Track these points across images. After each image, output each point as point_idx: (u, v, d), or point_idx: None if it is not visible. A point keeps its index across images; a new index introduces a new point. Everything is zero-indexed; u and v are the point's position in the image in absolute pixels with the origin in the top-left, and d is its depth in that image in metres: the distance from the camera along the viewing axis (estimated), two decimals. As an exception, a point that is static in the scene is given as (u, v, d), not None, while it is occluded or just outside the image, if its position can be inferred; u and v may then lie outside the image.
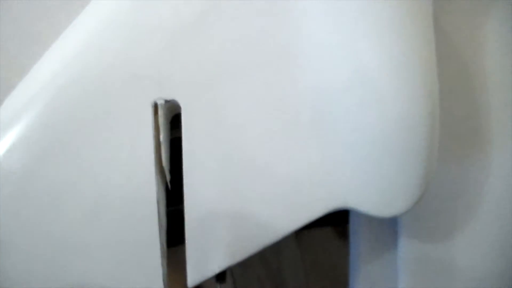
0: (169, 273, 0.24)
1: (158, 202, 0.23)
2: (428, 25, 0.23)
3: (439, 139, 0.23)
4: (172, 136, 0.25)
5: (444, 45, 0.27)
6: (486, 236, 0.26)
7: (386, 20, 0.22)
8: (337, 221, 0.29)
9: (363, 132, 0.22)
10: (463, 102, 0.27)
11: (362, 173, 0.23)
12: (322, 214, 0.23)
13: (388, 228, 0.26)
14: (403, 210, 0.22)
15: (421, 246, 0.25)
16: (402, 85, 0.22)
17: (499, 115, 0.27)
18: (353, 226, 0.27)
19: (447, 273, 0.25)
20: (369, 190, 0.23)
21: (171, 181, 0.24)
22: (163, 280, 0.23)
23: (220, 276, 0.23)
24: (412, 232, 0.25)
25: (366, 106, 0.22)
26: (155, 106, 0.24)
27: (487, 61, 0.27)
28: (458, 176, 0.26)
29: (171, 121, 0.26)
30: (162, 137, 0.24)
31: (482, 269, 0.26)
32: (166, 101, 0.24)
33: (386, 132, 0.22)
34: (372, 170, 0.22)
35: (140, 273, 0.23)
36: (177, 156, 0.24)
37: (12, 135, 0.22)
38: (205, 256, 0.23)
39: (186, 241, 0.23)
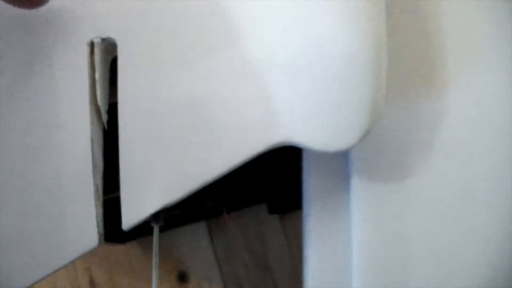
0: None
1: (92, 141, 0.23)
2: None
3: (389, 79, 0.23)
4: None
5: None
6: (440, 177, 0.25)
7: None
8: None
9: (305, 67, 0.22)
10: (419, 46, 0.26)
11: (306, 108, 0.22)
12: (265, 150, 0.22)
13: (340, 172, 0.26)
14: (349, 145, 0.22)
15: (373, 189, 0.25)
16: (345, 19, 0.21)
17: (455, 54, 0.26)
18: (305, 169, 0.27)
19: (399, 215, 0.25)
20: (313, 125, 0.22)
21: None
22: (97, 221, 0.22)
23: (156, 216, 0.22)
24: (363, 173, 0.25)
25: (307, 42, 0.22)
26: (91, 45, 0.23)
27: (446, 8, 0.27)
28: (411, 115, 0.25)
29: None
30: (98, 75, 0.23)
31: (434, 209, 0.25)
32: (103, 40, 0.23)
33: (329, 66, 0.21)
34: (314, 103, 0.22)
35: (75, 214, 0.22)
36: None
37: None
38: (140, 196, 0.22)
39: (120, 182, 0.22)
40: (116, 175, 0.23)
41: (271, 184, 0.50)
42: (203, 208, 0.61)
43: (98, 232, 0.22)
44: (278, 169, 0.40)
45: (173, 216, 0.59)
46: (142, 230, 0.69)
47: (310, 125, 0.22)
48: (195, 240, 0.69)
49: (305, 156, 0.26)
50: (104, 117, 0.24)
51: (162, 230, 0.72)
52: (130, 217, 0.22)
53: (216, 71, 0.22)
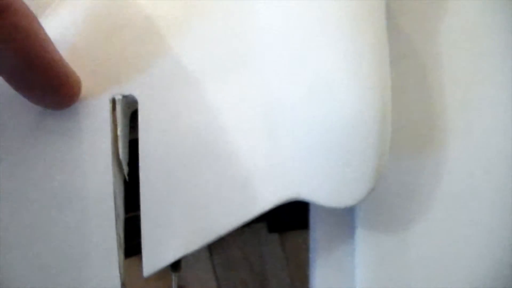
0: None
1: (115, 193, 0.24)
2: (381, 25, 0.25)
3: (392, 134, 0.25)
4: (132, 137, 0.27)
5: (401, 44, 0.29)
6: (441, 230, 0.27)
7: (338, 24, 0.24)
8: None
9: (314, 125, 0.24)
10: (420, 100, 0.28)
11: (314, 166, 0.24)
12: (276, 205, 0.24)
13: (346, 222, 0.28)
14: (355, 201, 0.24)
15: (377, 239, 0.26)
16: (353, 83, 0.23)
17: (455, 113, 0.28)
18: (312, 219, 0.29)
19: (403, 265, 0.27)
20: (320, 182, 0.24)
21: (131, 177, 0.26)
22: (119, 270, 0.24)
23: (175, 266, 0.24)
24: (368, 225, 0.27)
25: (317, 103, 0.24)
26: (113, 101, 0.25)
27: (444, 59, 0.29)
28: (413, 171, 0.27)
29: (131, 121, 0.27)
30: (119, 130, 0.25)
31: (437, 261, 0.27)
32: (124, 96, 0.25)
33: (337, 127, 0.23)
34: (323, 162, 0.24)
35: (97, 264, 0.24)
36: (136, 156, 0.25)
37: None
38: (160, 246, 0.24)
39: (142, 231, 0.24)
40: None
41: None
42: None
43: (120, 279, 0.24)
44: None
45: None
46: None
47: (318, 182, 0.24)
48: (194, 255, 0.70)
49: (312, 206, 0.28)
50: (125, 169, 0.26)
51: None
52: (151, 265, 0.24)
53: (233, 130, 0.24)
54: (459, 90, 0.28)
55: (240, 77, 0.25)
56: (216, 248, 0.71)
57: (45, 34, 0.23)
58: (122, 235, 0.25)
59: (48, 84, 0.23)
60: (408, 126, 0.28)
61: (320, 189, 0.24)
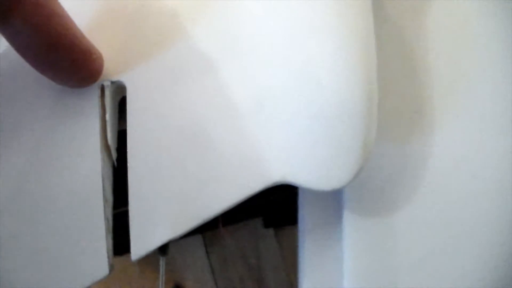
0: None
1: (103, 178, 0.25)
2: (367, 13, 0.25)
3: (380, 120, 0.25)
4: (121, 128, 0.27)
5: (388, 29, 0.30)
6: (428, 214, 0.28)
7: (324, 12, 0.24)
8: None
9: (302, 111, 0.24)
10: (408, 88, 0.29)
11: (300, 149, 0.25)
12: (263, 188, 0.25)
13: (334, 207, 0.28)
14: (341, 184, 0.24)
15: (364, 223, 0.27)
16: (340, 69, 0.24)
17: (442, 102, 0.29)
18: (301, 205, 0.29)
19: (390, 249, 0.27)
20: (307, 165, 0.25)
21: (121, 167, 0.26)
22: (107, 252, 0.25)
23: (163, 249, 0.25)
24: (355, 209, 0.27)
25: (305, 90, 0.24)
26: (102, 88, 0.26)
27: (430, 45, 0.29)
28: (400, 157, 0.28)
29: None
30: (108, 116, 0.26)
31: (424, 245, 0.27)
32: (112, 82, 0.26)
33: (324, 112, 0.24)
34: (310, 146, 0.24)
35: (85, 247, 0.25)
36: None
37: None
38: (148, 230, 0.25)
39: (130, 216, 0.25)
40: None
41: (267, 198, 0.53)
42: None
43: (108, 263, 0.25)
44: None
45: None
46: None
47: (305, 166, 0.25)
48: (190, 252, 0.71)
49: (300, 190, 0.29)
50: (114, 155, 0.26)
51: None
52: (138, 249, 0.25)
53: (221, 117, 0.25)
54: (447, 79, 0.29)
55: (229, 66, 0.26)
56: (213, 244, 0.72)
57: (64, 10, 0.23)
58: (110, 219, 0.26)
59: (73, 60, 0.24)
60: (396, 113, 0.29)
61: (306, 172, 0.24)
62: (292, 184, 0.25)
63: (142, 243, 0.25)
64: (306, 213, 0.29)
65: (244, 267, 0.70)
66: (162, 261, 0.25)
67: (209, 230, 0.70)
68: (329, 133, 0.24)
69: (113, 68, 0.26)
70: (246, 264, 0.70)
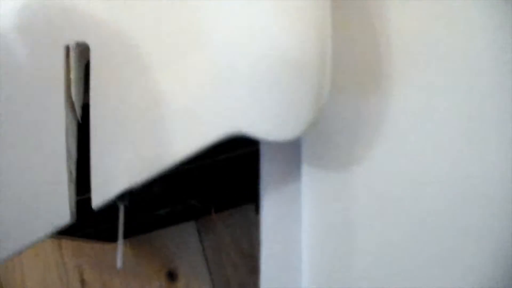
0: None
1: (67, 132, 0.27)
2: None
3: (340, 74, 0.27)
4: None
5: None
6: (387, 167, 0.28)
7: None
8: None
9: (254, 65, 0.26)
10: (365, 36, 0.30)
11: (255, 101, 0.26)
12: (218, 139, 0.26)
13: (293, 163, 0.29)
14: (294, 134, 0.26)
15: (323, 176, 0.28)
16: (290, 22, 0.25)
17: (402, 61, 0.30)
18: (262, 163, 0.30)
19: (348, 199, 0.28)
20: (261, 116, 0.26)
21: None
22: (70, 200, 0.26)
23: (122, 197, 0.26)
24: (314, 162, 0.28)
25: (258, 41, 0.26)
26: (67, 49, 0.28)
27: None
28: (359, 109, 0.29)
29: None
30: (72, 74, 0.28)
31: (382, 194, 0.28)
32: (77, 44, 0.28)
33: (276, 67, 0.25)
34: (263, 97, 0.26)
35: (48, 195, 0.26)
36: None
37: None
38: (108, 178, 0.26)
39: (91, 165, 0.26)
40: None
41: (259, 184, 0.54)
42: (192, 208, 0.65)
43: (70, 210, 0.26)
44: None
45: (162, 217, 0.62)
46: (133, 229, 0.73)
47: (259, 116, 0.26)
48: (184, 239, 0.72)
49: (262, 153, 0.30)
50: (78, 112, 0.28)
51: (152, 229, 0.74)
52: (99, 197, 0.26)
53: (177, 71, 0.27)
54: (408, 39, 0.30)
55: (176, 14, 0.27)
56: (206, 232, 0.73)
57: None
58: (74, 172, 0.27)
59: None
60: (354, 66, 0.29)
61: (261, 123, 0.26)
62: (248, 136, 0.26)
63: (102, 191, 0.26)
64: (266, 170, 0.30)
65: (237, 254, 0.71)
66: (121, 209, 0.26)
67: (202, 217, 0.71)
68: (282, 86, 0.25)
69: (79, 30, 0.28)
70: (239, 250, 0.71)
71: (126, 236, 0.75)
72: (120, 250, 0.26)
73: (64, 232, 0.47)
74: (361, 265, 0.28)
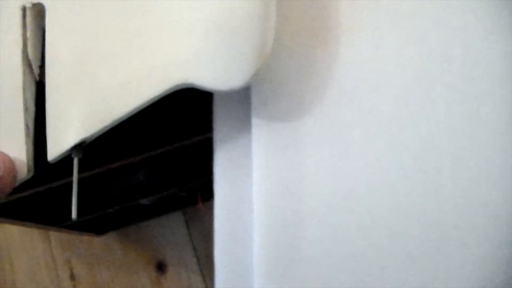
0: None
1: (24, 89, 0.28)
2: None
3: (286, 26, 0.27)
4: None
5: None
6: (338, 117, 0.29)
7: None
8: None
9: (200, 18, 0.27)
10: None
11: (200, 51, 0.27)
12: (168, 90, 0.27)
13: (243, 112, 0.30)
14: (239, 83, 0.26)
15: (272, 128, 0.29)
16: None
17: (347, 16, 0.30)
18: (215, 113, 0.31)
19: (297, 150, 0.29)
20: (206, 66, 0.27)
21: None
22: (27, 155, 0.27)
23: (78, 149, 0.27)
24: (263, 115, 0.29)
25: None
26: (24, 9, 0.29)
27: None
28: (307, 60, 0.30)
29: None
30: (29, 34, 0.29)
31: (331, 146, 0.29)
32: (34, 4, 0.29)
33: (220, 19, 0.26)
34: (208, 48, 0.27)
35: (7, 148, 0.27)
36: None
37: None
38: (62, 131, 0.27)
39: (46, 118, 0.27)
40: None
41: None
42: (178, 198, 0.65)
43: (28, 164, 0.27)
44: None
45: (148, 206, 0.63)
46: (121, 221, 0.73)
47: (205, 68, 0.27)
48: (172, 229, 0.72)
49: (214, 108, 0.31)
50: (36, 70, 0.29)
51: (139, 220, 0.75)
52: (54, 149, 0.27)
53: (128, 25, 0.28)
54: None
55: None
56: (193, 220, 0.74)
57: None
58: (31, 127, 0.28)
59: None
60: (302, 19, 0.30)
61: (206, 73, 0.27)
62: (194, 86, 0.27)
63: (57, 143, 0.27)
64: (218, 122, 0.31)
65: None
66: (75, 161, 0.27)
67: (189, 206, 0.72)
68: (226, 38, 0.26)
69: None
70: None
71: (114, 228, 0.75)
72: (74, 203, 0.27)
73: (50, 223, 0.48)
74: (313, 221, 0.28)
